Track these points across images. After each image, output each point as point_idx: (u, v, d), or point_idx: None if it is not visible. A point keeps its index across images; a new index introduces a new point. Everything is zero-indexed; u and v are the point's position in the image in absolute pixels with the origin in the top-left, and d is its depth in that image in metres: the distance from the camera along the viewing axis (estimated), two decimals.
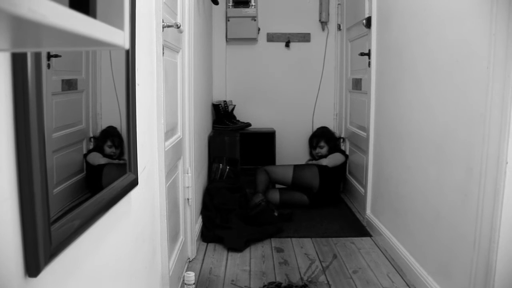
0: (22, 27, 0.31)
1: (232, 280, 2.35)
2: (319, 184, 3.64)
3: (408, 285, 2.29)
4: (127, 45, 0.44)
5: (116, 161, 1.23)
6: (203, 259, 2.63)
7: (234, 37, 4.30)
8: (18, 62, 0.67)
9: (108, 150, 1.19)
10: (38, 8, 0.27)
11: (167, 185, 1.93)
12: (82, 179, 1.01)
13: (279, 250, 2.79)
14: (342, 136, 4.26)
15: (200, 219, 3.01)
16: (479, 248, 1.68)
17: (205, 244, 2.86)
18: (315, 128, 4.30)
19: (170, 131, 2.10)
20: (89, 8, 0.40)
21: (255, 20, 4.24)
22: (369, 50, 3.20)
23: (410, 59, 2.44)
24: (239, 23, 4.25)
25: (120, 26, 0.43)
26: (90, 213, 0.95)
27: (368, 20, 3.18)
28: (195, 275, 1.51)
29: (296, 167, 3.76)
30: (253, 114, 4.43)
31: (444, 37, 2.01)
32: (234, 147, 3.89)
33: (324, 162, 3.79)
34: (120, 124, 1.23)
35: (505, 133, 1.54)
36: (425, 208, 2.22)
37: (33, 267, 0.71)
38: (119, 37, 0.42)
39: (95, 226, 0.99)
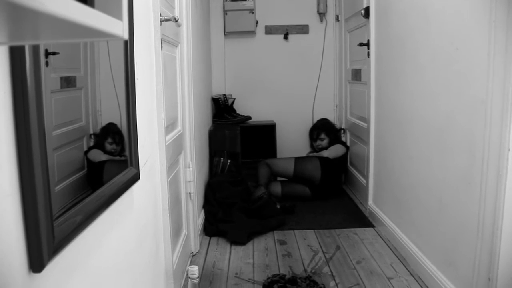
0: (20, 17, 0.30)
1: (236, 273, 2.36)
2: (321, 176, 3.64)
3: (411, 275, 2.29)
4: (126, 35, 0.43)
5: (117, 158, 1.22)
6: (207, 253, 2.63)
7: (232, 30, 4.29)
8: (16, 57, 0.66)
9: (108, 147, 1.18)
10: None
11: (168, 180, 1.93)
12: (83, 176, 1.01)
13: (282, 242, 2.79)
14: (342, 127, 4.25)
15: (202, 213, 3.01)
16: (483, 236, 1.68)
17: (208, 238, 2.86)
18: (315, 120, 4.29)
19: (170, 126, 2.09)
20: None
21: (253, 13, 4.22)
22: (368, 40, 3.18)
23: (411, 48, 2.43)
24: (237, 16, 4.24)
25: (119, 16, 0.42)
26: (92, 209, 0.94)
27: (367, 10, 3.17)
28: (198, 269, 1.51)
29: (298, 159, 3.75)
30: (253, 107, 4.42)
31: (445, 25, 2.00)
32: (234, 141, 3.88)
33: (325, 154, 3.79)
34: (120, 120, 1.23)
35: (507, 120, 1.53)
36: (427, 197, 2.21)
37: (37, 263, 0.71)
38: (118, 27, 0.42)
39: (97, 221, 0.99)
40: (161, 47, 1.82)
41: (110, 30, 0.40)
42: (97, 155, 1.12)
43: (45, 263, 0.72)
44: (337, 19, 4.37)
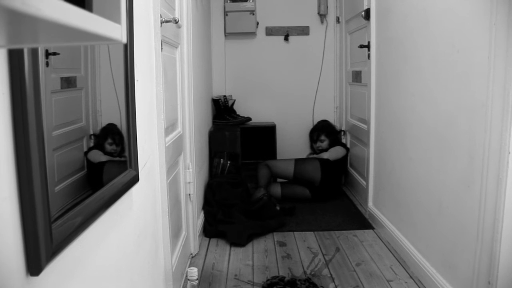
0: (17, 21, 0.30)
1: (235, 275, 2.35)
2: (321, 177, 3.64)
3: (411, 277, 2.29)
4: (124, 39, 0.43)
5: (117, 159, 1.22)
6: (206, 255, 2.63)
7: (232, 31, 4.29)
8: (15, 59, 0.66)
9: (108, 147, 1.18)
10: (32, 1, 0.26)
11: (168, 181, 1.93)
12: (83, 176, 1.01)
13: (282, 244, 2.79)
14: (342, 129, 4.25)
15: (202, 215, 3.01)
16: (483, 238, 1.68)
17: (208, 239, 2.86)
18: (315, 122, 4.29)
19: (170, 127, 2.09)
20: (85, 2, 0.40)
21: (253, 14, 4.22)
22: (369, 42, 3.18)
23: (412, 50, 2.43)
24: (238, 17, 4.24)
25: (117, 20, 0.42)
26: (91, 210, 0.94)
27: (367, 12, 3.17)
28: (198, 271, 1.50)
29: (298, 161, 3.75)
30: (253, 108, 4.42)
31: (445, 27, 2.00)
32: (234, 142, 3.88)
33: (325, 155, 3.79)
34: (120, 121, 1.22)
35: (507, 123, 1.53)
36: (427, 200, 2.21)
37: (34, 266, 0.70)
38: (117, 31, 0.41)
39: (96, 223, 0.98)
40: (161, 48, 1.82)
41: (109, 34, 0.40)
42: (97, 156, 1.12)
43: (43, 266, 0.71)
44: (337, 20, 4.37)
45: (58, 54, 0.85)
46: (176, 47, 2.30)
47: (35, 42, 0.47)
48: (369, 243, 2.78)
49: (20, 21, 0.30)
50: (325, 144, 3.94)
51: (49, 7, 0.28)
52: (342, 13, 4.24)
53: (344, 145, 3.96)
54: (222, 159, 3.72)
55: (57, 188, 0.85)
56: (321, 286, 2.18)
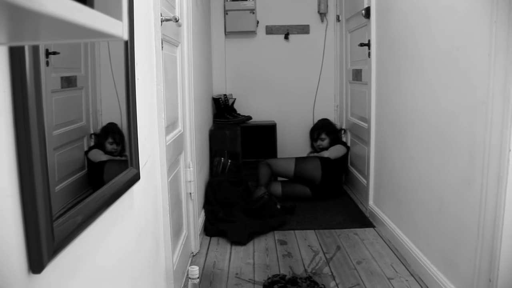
0: (18, 17, 0.30)
1: (236, 273, 2.35)
2: (321, 176, 3.64)
3: (412, 275, 2.29)
4: (125, 36, 0.43)
5: (117, 158, 1.22)
6: (207, 253, 2.63)
7: (233, 30, 4.29)
8: (16, 57, 0.66)
9: (109, 147, 1.18)
10: None
11: (169, 180, 1.93)
12: (84, 176, 1.01)
13: (283, 242, 2.79)
14: (343, 127, 4.25)
15: (203, 213, 3.01)
16: (483, 236, 1.68)
17: (209, 238, 2.86)
18: (316, 120, 4.29)
19: (170, 126, 2.09)
20: None
21: (253, 13, 4.22)
22: (369, 41, 3.18)
23: (412, 48, 2.43)
24: (238, 16, 4.24)
25: (119, 17, 0.42)
26: (92, 209, 0.94)
27: (367, 10, 3.17)
28: (199, 269, 1.50)
29: (298, 159, 3.75)
30: (254, 107, 4.42)
31: (446, 25, 2.00)
32: (235, 141, 3.88)
33: (326, 154, 3.79)
34: (121, 120, 1.22)
35: (507, 120, 1.53)
36: (428, 198, 2.21)
37: (36, 263, 0.71)
38: (118, 28, 0.41)
39: (98, 222, 0.98)
40: (162, 47, 1.82)
41: (110, 30, 0.40)
42: (98, 155, 1.12)
43: (45, 264, 0.72)
44: (337, 19, 4.36)
45: (58, 53, 0.85)
46: (177, 46, 2.30)
47: (36, 39, 0.47)
48: (370, 241, 2.79)
49: (22, 17, 0.30)
50: (325, 142, 3.94)
51: (52, 3, 0.28)
52: (342, 11, 4.24)
53: (344, 144, 3.96)
54: (222, 158, 3.72)
55: (58, 187, 0.85)
56: (322, 284, 2.18)
